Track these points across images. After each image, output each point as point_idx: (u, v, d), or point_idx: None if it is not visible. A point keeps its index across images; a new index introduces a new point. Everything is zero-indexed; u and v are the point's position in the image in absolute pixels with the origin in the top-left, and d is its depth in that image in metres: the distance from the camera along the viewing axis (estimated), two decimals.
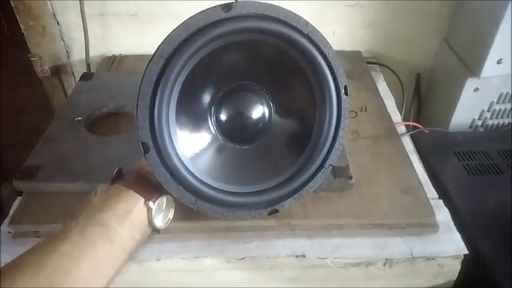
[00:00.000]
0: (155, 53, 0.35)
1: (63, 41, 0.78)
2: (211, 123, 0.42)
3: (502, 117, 0.73)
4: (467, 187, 0.57)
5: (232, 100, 0.42)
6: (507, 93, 0.69)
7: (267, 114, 0.43)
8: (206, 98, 0.41)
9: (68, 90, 0.83)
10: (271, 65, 0.40)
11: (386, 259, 0.46)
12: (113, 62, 0.77)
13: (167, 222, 0.39)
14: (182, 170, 0.37)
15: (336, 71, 0.38)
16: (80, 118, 0.58)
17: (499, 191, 0.56)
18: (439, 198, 0.53)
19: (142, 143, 0.36)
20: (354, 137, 0.58)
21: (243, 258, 0.45)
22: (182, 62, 0.35)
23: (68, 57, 0.80)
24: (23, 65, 0.76)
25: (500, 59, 0.63)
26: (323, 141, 0.40)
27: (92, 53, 0.77)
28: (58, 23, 0.76)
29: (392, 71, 0.77)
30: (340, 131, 0.40)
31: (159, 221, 0.38)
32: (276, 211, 0.40)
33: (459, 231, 0.48)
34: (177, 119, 0.38)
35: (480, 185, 0.57)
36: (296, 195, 0.40)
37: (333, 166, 0.41)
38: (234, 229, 0.47)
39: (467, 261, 0.47)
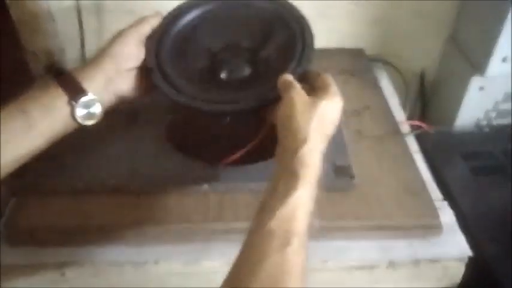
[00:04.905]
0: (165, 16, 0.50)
1: (59, 37, 0.77)
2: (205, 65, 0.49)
3: (507, 117, 0.72)
4: (472, 188, 0.57)
5: (223, 67, 0.48)
6: None
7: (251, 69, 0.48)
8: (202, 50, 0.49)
9: None
10: (251, 25, 0.49)
11: (389, 262, 0.45)
12: None
13: (93, 117, 0.43)
14: (170, 70, 0.45)
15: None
16: None
17: (504, 192, 0.56)
18: (444, 199, 0.52)
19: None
20: (357, 136, 0.57)
21: None
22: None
23: (64, 54, 0.79)
24: (17, 62, 0.75)
25: (506, 57, 0.63)
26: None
27: (87, 50, 0.76)
28: (53, 19, 0.75)
29: (396, 68, 0.76)
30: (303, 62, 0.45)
31: (83, 116, 0.42)
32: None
33: (464, 233, 0.48)
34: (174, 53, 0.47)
35: (485, 186, 0.57)
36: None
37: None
38: (234, 231, 0.46)
39: (471, 264, 0.46)
